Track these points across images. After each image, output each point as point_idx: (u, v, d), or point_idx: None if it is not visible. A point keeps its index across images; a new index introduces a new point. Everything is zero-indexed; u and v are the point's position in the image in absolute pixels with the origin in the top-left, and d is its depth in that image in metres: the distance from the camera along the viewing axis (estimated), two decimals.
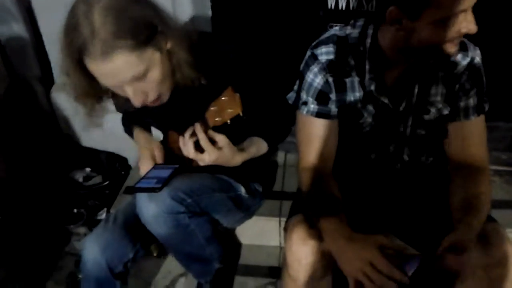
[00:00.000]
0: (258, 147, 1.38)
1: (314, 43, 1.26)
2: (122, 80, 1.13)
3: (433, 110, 1.25)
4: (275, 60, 1.99)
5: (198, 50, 1.23)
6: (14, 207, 2.13)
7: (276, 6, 2.02)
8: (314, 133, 1.27)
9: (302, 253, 1.16)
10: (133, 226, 1.40)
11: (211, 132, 1.21)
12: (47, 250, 2.05)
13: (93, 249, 1.36)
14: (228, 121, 1.17)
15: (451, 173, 1.27)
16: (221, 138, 1.22)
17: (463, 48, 1.19)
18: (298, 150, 1.31)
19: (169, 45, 1.18)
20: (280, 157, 2.11)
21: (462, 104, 1.23)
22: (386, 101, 1.24)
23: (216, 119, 1.17)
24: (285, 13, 2.02)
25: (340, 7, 1.96)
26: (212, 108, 1.17)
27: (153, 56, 1.14)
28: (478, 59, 1.21)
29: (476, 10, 1.06)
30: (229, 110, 1.15)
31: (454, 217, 1.15)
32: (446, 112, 1.25)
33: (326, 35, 1.26)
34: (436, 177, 1.40)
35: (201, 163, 1.24)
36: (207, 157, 1.22)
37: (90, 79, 1.16)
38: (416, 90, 1.22)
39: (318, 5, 1.97)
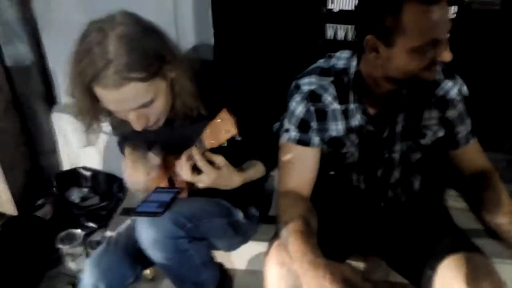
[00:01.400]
0: (256, 169, 1.41)
1: (299, 75, 1.33)
2: (130, 107, 1.16)
3: (429, 133, 1.30)
4: (273, 88, 2.03)
5: (199, 79, 1.26)
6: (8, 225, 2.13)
7: (277, 36, 2.06)
8: (294, 160, 1.31)
9: (280, 276, 1.17)
10: (133, 250, 1.40)
11: (208, 154, 1.24)
12: (40, 270, 2.04)
13: (93, 273, 1.36)
14: (225, 143, 1.19)
15: (478, 187, 1.32)
16: (219, 159, 1.25)
17: (451, 77, 1.27)
18: (278, 174, 1.36)
19: (173, 74, 1.21)
20: (276, 181, 2.12)
21: (460, 131, 1.30)
22: (371, 129, 1.28)
23: (212, 141, 1.19)
24: (285, 43, 2.07)
25: (338, 38, 2.01)
26: (208, 131, 1.19)
27: (160, 85, 1.18)
28: (465, 87, 1.29)
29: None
30: (224, 132, 1.17)
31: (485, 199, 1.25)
32: (441, 134, 1.30)
33: (311, 67, 1.32)
34: (424, 203, 1.44)
35: (200, 185, 1.26)
36: (206, 178, 1.24)
37: (94, 101, 1.19)
38: (400, 117, 1.27)
39: (317, 35, 2.01)
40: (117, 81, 1.09)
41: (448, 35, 1.09)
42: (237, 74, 1.37)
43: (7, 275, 1.97)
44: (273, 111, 1.47)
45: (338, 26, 1.99)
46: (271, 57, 2.12)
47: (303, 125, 1.30)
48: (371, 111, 1.28)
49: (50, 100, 2.39)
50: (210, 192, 1.45)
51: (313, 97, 1.28)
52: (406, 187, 1.42)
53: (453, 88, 1.27)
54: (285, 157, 1.33)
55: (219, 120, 1.16)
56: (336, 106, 1.28)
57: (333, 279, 1.03)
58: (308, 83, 1.29)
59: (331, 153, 1.34)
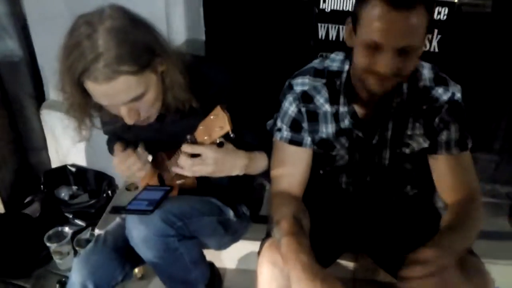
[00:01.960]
0: (261, 155, 1.37)
1: (294, 74, 1.32)
2: (121, 101, 1.15)
3: (413, 144, 1.28)
4: (265, 86, 2.02)
5: (190, 73, 1.25)
6: None
7: (269, 35, 2.06)
8: (286, 160, 1.32)
9: (271, 276, 1.17)
10: (122, 248, 1.39)
11: (200, 147, 1.21)
12: (28, 268, 2.03)
13: (81, 272, 1.35)
14: (218, 140, 1.18)
15: (444, 204, 1.29)
16: (211, 145, 1.22)
17: (443, 83, 1.23)
18: (271, 174, 1.35)
19: (163, 67, 1.20)
20: (267, 181, 2.12)
21: (443, 137, 1.25)
22: (360, 134, 1.28)
23: (205, 137, 1.19)
24: (277, 42, 2.07)
25: (330, 38, 2.01)
26: (201, 127, 1.18)
27: (150, 78, 1.17)
28: (458, 95, 1.24)
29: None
30: (218, 129, 1.16)
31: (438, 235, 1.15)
32: (425, 145, 1.27)
33: (306, 67, 1.32)
34: (415, 204, 1.44)
35: (205, 168, 1.23)
36: (207, 159, 1.21)
37: (85, 96, 1.18)
38: (390, 124, 1.26)
39: (309, 34, 2.01)
40: (108, 75, 1.08)
41: (399, 45, 1.05)
42: (229, 70, 1.36)
43: None
44: (266, 108, 1.47)
45: (330, 26, 1.99)
46: (263, 56, 2.12)
47: (295, 125, 1.30)
48: (361, 116, 1.27)
49: (39, 97, 2.37)
50: (200, 191, 1.45)
51: (305, 98, 1.28)
52: (397, 191, 1.42)
53: (443, 95, 1.23)
54: (278, 156, 1.33)
55: (212, 117, 1.15)
56: (327, 108, 1.28)
57: (323, 285, 1.02)
58: (301, 83, 1.29)
59: (322, 154, 1.34)
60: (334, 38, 2.00)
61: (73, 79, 1.11)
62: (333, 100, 1.27)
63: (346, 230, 1.44)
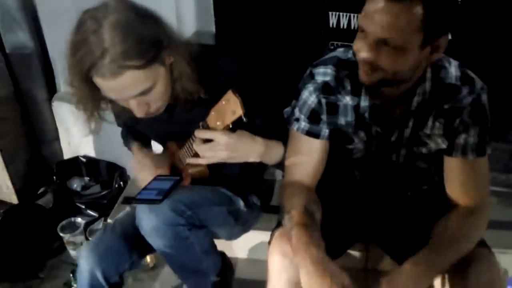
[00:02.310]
0: (276, 143, 1.35)
1: (316, 62, 1.27)
2: (129, 95, 1.15)
3: (431, 144, 1.24)
4: (276, 75, 2.01)
5: (199, 63, 1.24)
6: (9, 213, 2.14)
7: (279, 23, 2.05)
8: (302, 150, 1.28)
9: (281, 267, 1.17)
10: (130, 236, 1.40)
11: (213, 133, 1.20)
12: (42, 258, 2.05)
13: (90, 258, 1.36)
14: (230, 125, 1.17)
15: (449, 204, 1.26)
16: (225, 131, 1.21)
17: (470, 83, 1.16)
18: (285, 163, 1.32)
19: (171, 58, 1.20)
20: (278, 171, 2.12)
21: (461, 140, 1.19)
22: (379, 129, 1.24)
23: (218, 123, 1.17)
24: (287, 30, 2.05)
25: (341, 26, 1.99)
26: (213, 113, 1.17)
27: (158, 71, 1.17)
28: (484, 97, 1.18)
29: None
30: (230, 114, 1.13)
31: (430, 243, 1.14)
32: (444, 146, 1.22)
33: (329, 55, 1.26)
34: (428, 202, 1.40)
35: (221, 155, 1.22)
36: (220, 144, 1.19)
37: (94, 90, 1.18)
38: (411, 122, 1.21)
39: (320, 23, 2.00)
40: (114, 70, 1.08)
41: (379, 35, 1.00)
42: (238, 58, 1.34)
43: (9, 263, 1.98)
44: (277, 96, 1.45)
45: (341, 14, 1.97)
46: (274, 45, 2.10)
47: (313, 116, 1.25)
48: (382, 111, 1.22)
49: (51, 88, 2.39)
50: (211, 181, 1.45)
51: (326, 89, 1.23)
52: (410, 187, 1.40)
53: (468, 96, 1.16)
54: (293, 146, 1.30)
55: (224, 102, 1.13)
56: (348, 101, 1.23)
57: (332, 280, 1.02)
58: (323, 73, 1.23)
59: (338, 147, 1.30)
60: (345, 27, 1.98)
61: (81, 74, 1.12)
62: (354, 93, 1.21)
63: (357, 221, 1.42)
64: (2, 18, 2.20)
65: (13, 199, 2.35)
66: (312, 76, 1.24)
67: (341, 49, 1.25)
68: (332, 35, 2.00)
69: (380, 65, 1.04)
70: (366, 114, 1.21)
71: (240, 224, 1.56)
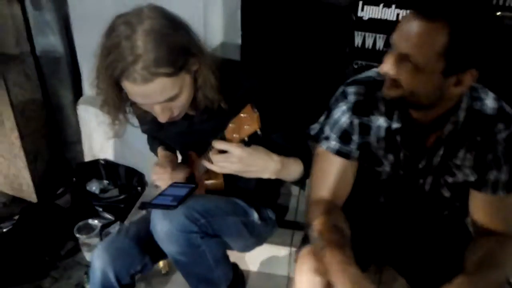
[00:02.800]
0: (295, 161, 1.35)
1: (350, 80, 1.24)
2: (156, 101, 1.17)
3: (459, 174, 1.20)
4: (299, 92, 2.02)
5: (221, 74, 1.26)
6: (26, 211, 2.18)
7: (305, 40, 2.06)
8: (330, 170, 1.25)
9: (311, 283, 1.15)
10: (143, 240, 1.41)
11: (231, 145, 1.21)
12: (56, 258, 2.08)
13: (103, 258, 1.38)
14: (246, 138, 1.18)
15: (474, 233, 1.22)
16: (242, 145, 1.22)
17: (506, 119, 1.12)
18: (310, 181, 1.31)
19: (196, 66, 1.22)
20: (295, 187, 2.12)
21: (492, 176, 1.15)
22: (407, 154, 1.21)
23: (234, 135, 1.18)
24: (312, 47, 2.06)
25: (366, 46, 1.99)
26: (231, 125, 1.18)
27: (185, 79, 1.19)
28: None
29: None
30: (247, 127, 1.15)
31: (463, 272, 1.10)
32: (472, 179, 1.19)
33: (364, 74, 1.24)
34: (452, 227, 1.38)
35: (233, 167, 1.23)
36: (234, 157, 1.20)
37: (120, 94, 1.21)
38: (441, 151, 1.18)
39: (345, 42, 2.00)
40: (145, 77, 1.10)
41: (401, 49, 1.01)
42: (257, 73, 1.36)
43: (23, 261, 2.00)
44: (299, 114, 1.45)
45: (367, 34, 1.98)
46: (298, 62, 2.11)
47: (344, 136, 1.23)
48: (413, 136, 1.19)
49: (77, 92, 2.44)
50: (227, 192, 1.46)
51: (359, 109, 1.20)
52: (432, 215, 1.37)
53: (503, 132, 1.12)
54: (322, 165, 1.27)
55: (242, 115, 1.15)
56: (381, 122, 1.20)
57: None
58: (356, 93, 1.20)
59: (366, 168, 1.28)
60: (370, 47, 1.98)
61: (110, 78, 1.14)
62: (388, 115, 1.18)
63: (376, 243, 1.40)
64: (35, 21, 2.27)
65: (33, 198, 2.40)
66: (345, 95, 1.22)
67: (375, 69, 1.22)
68: (357, 54, 2.00)
69: (399, 81, 1.04)
70: (398, 137, 1.19)
71: (254, 237, 1.56)
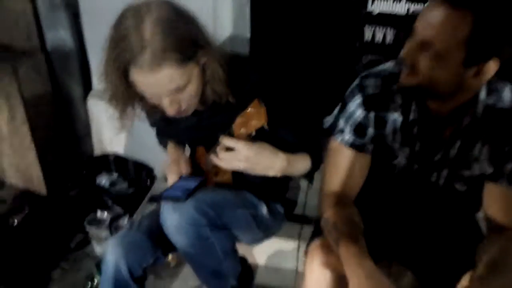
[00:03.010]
0: (302, 158, 1.35)
1: (365, 73, 1.23)
2: (163, 91, 1.18)
3: (475, 167, 1.19)
4: (308, 86, 2.01)
5: (229, 68, 1.26)
6: (41, 205, 2.20)
7: (314, 34, 2.05)
8: (343, 163, 1.25)
9: (321, 277, 1.15)
10: (155, 233, 1.42)
11: (237, 140, 1.22)
12: (67, 250, 2.10)
13: (116, 251, 1.38)
14: (253, 133, 1.19)
15: (487, 229, 1.21)
16: (248, 141, 1.23)
17: None
18: (323, 174, 1.30)
19: (205, 59, 1.22)
20: (303, 181, 2.11)
21: (508, 167, 1.14)
22: (423, 147, 1.20)
23: (242, 130, 1.19)
24: (322, 42, 2.05)
25: (376, 40, 1.98)
26: (239, 120, 1.19)
27: (194, 70, 1.19)
28: None
29: None
30: (254, 122, 1.17)
31: (476, 273, 1.09)
32: (490, 171, 1.18)
33: (380, 67, 1.22)
34: (465, 222, 1.37)
35: (239, 165, 1.24)
36: (240, 154, 1.21)
37: (128, 86, 1.21)
38: (458, 143, 1.17)
39: (355, 36, 1.99)
40: (153, 65, 1.10)
41: (422, 35, 1.01)
42: (263, 68, 1.35)
43: (33, 253, 2.02)
44: (307, 108, 1.45)
45: (377, 28, 1.96)
46: (307, 56, 2.11)
47: (359, 130, 1.22)
48: (429, 129, 1.18)
49: (86, 86, 2.45)
50: (235, 186, 1.46)
51: (375, 102, 1.18)
52: (444, 210, 1.36)
53: None
54: (335, 158, 1.27)
55: (249, 110, 1.16)
56: (397, 116, 1.19)
57: None
58: (373, 86, 1.18)
59: (380, 161, 1.27)
60: (380, 41, 1.97)
61: (118, 68, 1.14)
62: (404, 107, 1.17)
63: (387, 238, 1.40)
64: (46, 15, 2.28)
65: (43, 191, 2.41)
66: (360, 88, 1.20)
67: (391, 63, 1.21)
68: (367, 48, 1.99)
69: (418, 68, 1.03)
70: (415, 130, 1.18)
71: (262, 230, 1.56)
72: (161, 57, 1.10)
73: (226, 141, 1.22)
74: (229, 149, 1.23)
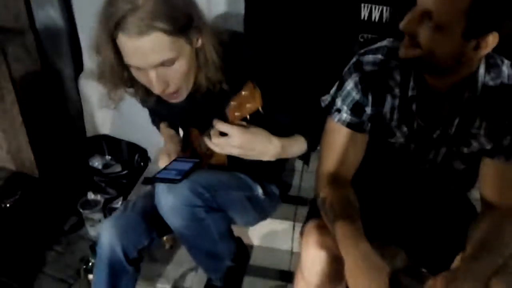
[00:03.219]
0: (296, 140, 1.34)
1: (363, 50, 1.21)
2: (151, 62, 1.14)
3: (474, 143, 1.18)
4: (302, 65, 1.99)
5: (226, 52, 1.24)
6: (33, 187, 2.18)
7: (309, 12, 2.02)
8: (340, 142, 1.23)
9: (317, 257, 1.15)
10: (150, 215, 1.41)
11: (231, 124, 1.21)
12: (60, 232, 2.09)
13: (110, 233, 1.38)
14: (248, 116, 1.17)
15: (482, 206, 1.20)
16: (242, 125, 1.22)
17: None
18: (320, 153, 1.29)
19: (199, 43, 1.20)
20: (298, 162, 2.11)
21: (505, 142, 1.14)
22: (421, 123, 1.19)
23: (236, 114, 1.17)
24: (317, 20, 2.02)
25: (373, 19, 1.95)
26: (233, 103, 1.17)
27: (184, 47, 1.17)
28: None
29: None
30: (249, 105, 1.15)
31: (466, 250, 1.09)
32: (488, 147, 1.17)
33: (378, 44, 1.20)
34: (460, 202, 1.37)
35: (233, 151, 1.23)
36: (235, 139, 1.20)
37: (118, 59, 1.18)
38: (456, 121, 1.16)
39: (351, 14, 1.96)
40: (141, 29, 1.07)
41: (421, 5, 0.99)
42: (261, 49, 1.33)
43: (26, 235, 2.01)
44: (302, 88, 1.43)
45: (373, 6, 1.93)
46: (302, 35, 2.07)
47: (357, 109, 1.19)
48: (428, 105, 1.17)
49: (77, 65, 2.41)
50: (230, 167, 1.45)
51: (374, 80, 1.16)
52: (440, 189, 1.36)
53: None
54: (332, 137, 1.25)
55: (243, 93, 1.14)
56: (396, 93, 1.17)
57: (382, 276, 1.00)
58: (372, 62, 1.16)
59: (379, 140, 1.26)
60: (377, 19, 1.94)
61: (107, 33, 1.11)
62: (403, 84, 1.16)
63: (382, 219, 1.39)
64: None
65: (35, 173, 2.39)
66: (359, 65, 1.18)
67: (391, 39, 1.19)
68: (363, 27, 1.96)
69: (418, 40, 1.01)
70: (413, 106, 1.16)
71: (258, 212, 1.56)
72: (150, 23, 1.07)
73: (220, 125, 1.20)
74: (222, 133, 1.21)
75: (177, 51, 1.15)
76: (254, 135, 1.22)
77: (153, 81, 1.18)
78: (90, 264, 1.72)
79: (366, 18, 1.95)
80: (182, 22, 1.12)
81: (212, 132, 1.23)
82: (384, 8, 1.91)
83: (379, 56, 1.17)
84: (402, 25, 1.03)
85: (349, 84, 1.19)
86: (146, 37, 1.08)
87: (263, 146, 1.25)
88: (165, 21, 1.08)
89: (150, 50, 1.11)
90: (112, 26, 1.09)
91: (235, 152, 1.23)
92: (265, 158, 1.28)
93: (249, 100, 1.14)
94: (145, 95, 1.35)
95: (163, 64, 1.15)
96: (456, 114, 1.15)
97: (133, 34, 1.08)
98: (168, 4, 1.09)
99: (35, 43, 2.29)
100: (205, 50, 1.21)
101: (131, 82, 1.29)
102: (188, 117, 1.46)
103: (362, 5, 1.93)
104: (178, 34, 1.12)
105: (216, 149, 1.25)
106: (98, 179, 2.25)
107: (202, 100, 1.33)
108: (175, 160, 1.40)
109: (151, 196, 1.38)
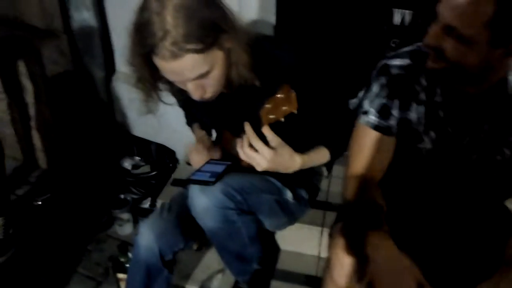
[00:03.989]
0: (319, 153, 1.36)
1: (392, 53, 1.20)
2: (187, 78, 1.16)
3: (507, 151, 1.16)
4: (335, 71, 1.98)
5: (256, 51, 1.24)
6: (65, 186, 2.22)
7: (341, 18, 2.02)
8: (368, 145, 1.23)
9: (346, 260, 1.14)
10: (185, 218, 1.42)
11: (266, 129, 1.21)
12: (90, 231, 2.12)
13: (148, 236, 1.40)
14: (282, 119, 1.17)
15: None
16: (275, 139, 1.22)
17: None
18: (348, 156, 1.28)
19: (230, 44, 1.20)
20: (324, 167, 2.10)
21: None
22: (450, 130, 1.17)
23: (270, 116, 1.17)
24: (349, 26, 2.02)
25: (405, 24, 1.94)
26: (267, 106, 1.17)
27: (217, 55, 1.17)
28: None
29: None
30: (284, 108, 1.14)
31: (503, 262, 1.07)
32: None
33: (406, 49, 1.19)
34: (498, 212, 1.33)
35: (258, 168, 1.25)
36: (263, 159, 1.22)
37: (153, 71, 1.20)
38: (487, 125, 1.14)
39: (384, 19, 1.95)
40: (175, 53, 1.09)
41: (446, 20, 0.97)
42: (295, 50, 1.33)
43: (62, 234, 2.05)
44: (335, 92, 1.43)
45: (406, 11, 1.92)
46: (334, 41, 2.07)
47: (384, 111, 1.19)
48: (457, 111, 1.15)
49: (109, 68, 2.45)
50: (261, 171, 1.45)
51: (401, 83, 1.16)
52: (472, 199, 1.33)
53: None
54: (360, 140, 1.25)
55: (279, 95, 1.14)
56: (423, 97, 1.15)
57: (409, 283, 0.97)
58: (399, 66, 1.16)
59: (405, 145, 1.24)
60: (408, 25, 1.93)
61: (142, 55, 1.14)
62: (430, 89, 1.14)
63: (409, 227, 1.37)
64: None
65: (66, 172, 2.43)
66: (386, 69, 1.18)
67: (420, 44, 1.16)
68: (395, 32, 1.95)
69: (444, 53, 1.00)
70: (441, 112, 1.15)
71: (287, 216, 1.55)
72: (183, 45, 1.08)
73: (252, 138, 1.21)
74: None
75: (211, 63, 1.16)
76: (280, 157, 1.24)
77: (191, 91, 1.21)
78: (119, 262, 1.74)
79: (398, 23, 1.95)
80: (212, 35, 1.13)
81: (244, 139, 1.24)
82: (416, 14, 1.90)
83: (407, 61, 1.16)
84: (425, 40, 1.02)
85: (377, 87, 1.19)
86: (180, 59, 1.10)
87: (285, 168, 1.28)
88: (197, 41, 1.09)
89: (185, 69, 1.13)
90: (146, 50, 1.11)
91: (258, 168, 1.25)
92: (288, 171, 1.31)
93: (284, 103, 1.14)
94: (180, 95, 1.37)
95: (199, 77, 1.17)
96: (486, 120, 1.13)
97: (167, 58, 1.09)
98: (197, 22, 1.09)
99: (69, 44, 2.34)
100: (236, 49, 1.21)
101: (167, 83, 1.31)
102: (221, 117, 1.47)
103: (394, 10, 1.93)
104: (210, 48, 1.13)
105: (245, 159, 1.26)
106: (128, 179, 2.28)
107: (234, 100, 1.34)
108: (208, 162, 1.41)
109: (185, 198, 1.39)
